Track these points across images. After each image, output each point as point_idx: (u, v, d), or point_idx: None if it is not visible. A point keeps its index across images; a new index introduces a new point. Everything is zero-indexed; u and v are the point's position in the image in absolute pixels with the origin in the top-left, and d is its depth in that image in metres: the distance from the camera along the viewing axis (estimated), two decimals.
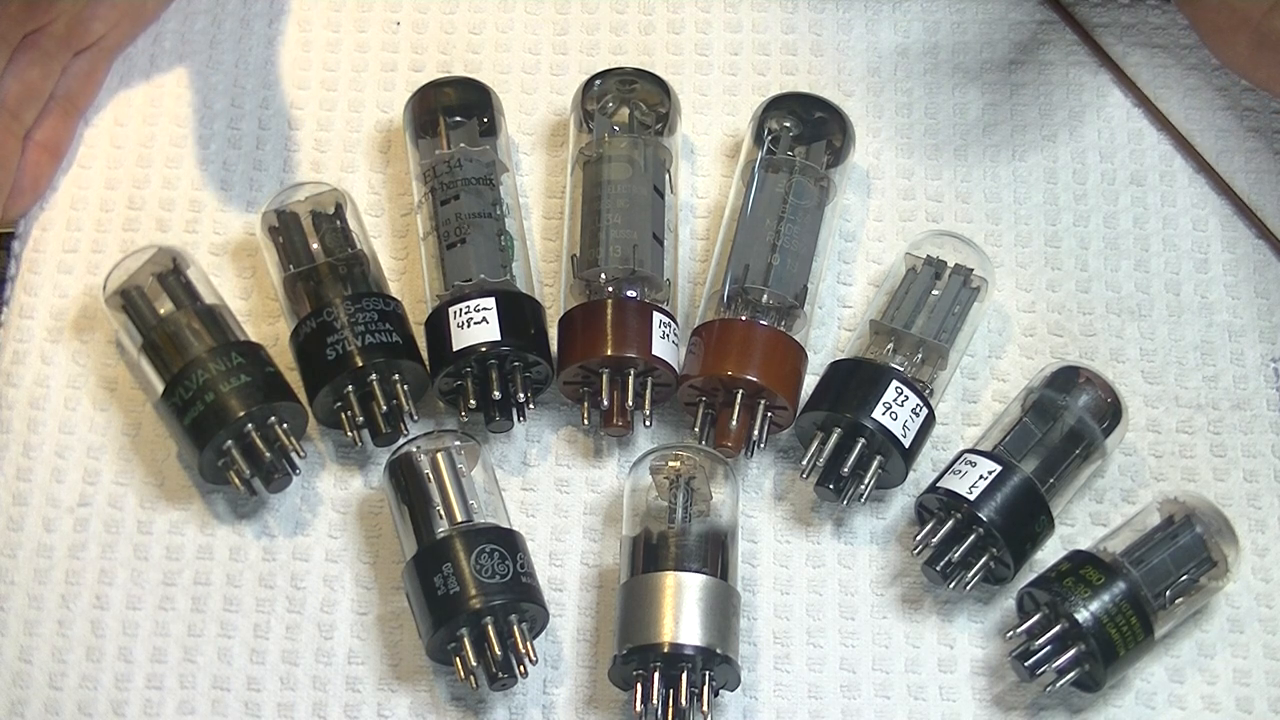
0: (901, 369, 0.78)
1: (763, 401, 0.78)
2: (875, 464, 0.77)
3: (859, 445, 0.77)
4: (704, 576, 0.74)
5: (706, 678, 0.73)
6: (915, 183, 0.87)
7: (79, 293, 0.84)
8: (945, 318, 0.80)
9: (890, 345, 0.80)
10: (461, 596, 0.72)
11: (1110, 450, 0.79)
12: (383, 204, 0.87)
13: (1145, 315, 0.84)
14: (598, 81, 0.85)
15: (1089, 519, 0.80)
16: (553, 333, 0.81)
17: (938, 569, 0.76)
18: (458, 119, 0.85)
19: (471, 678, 0.73)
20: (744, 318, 0.79)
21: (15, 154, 0.84)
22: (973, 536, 0.75)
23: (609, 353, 0.78)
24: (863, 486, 0.77)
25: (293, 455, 0.77)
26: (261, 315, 0.84)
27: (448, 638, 0.73)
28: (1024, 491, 0.76)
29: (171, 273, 0.81)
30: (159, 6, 0.89)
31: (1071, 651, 0.73)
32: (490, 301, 0.78)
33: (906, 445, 0.77)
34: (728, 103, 0.89)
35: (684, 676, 0.72)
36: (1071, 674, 0.74)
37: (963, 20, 0.91)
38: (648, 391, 0.79)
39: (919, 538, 0.77)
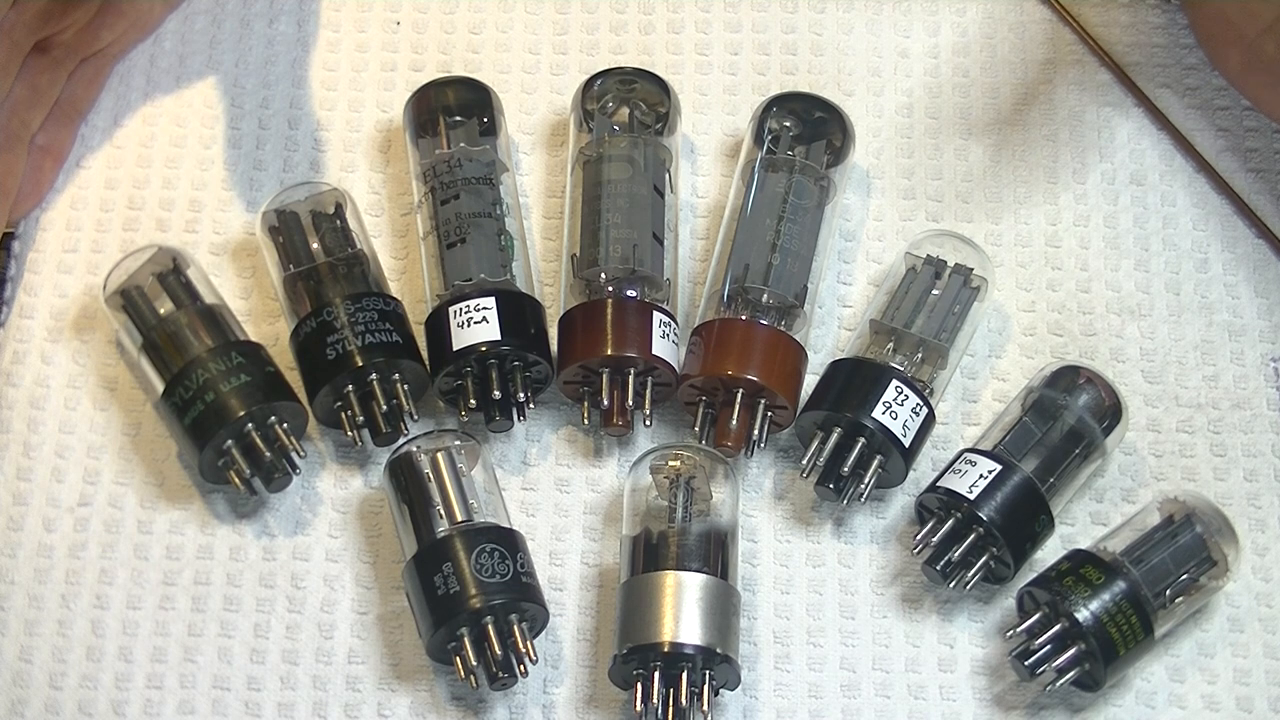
0: (901, 368, 0.78)
1: (763, 401, 0.78)
2: (875, 463, 0.77)
3: (859, 445, 0.77)
4: (704, 576, 0.74)
5: (707, 677, 0.73)
6: (915, 183, 0.87)
7: (79, 293, 0.84)
8: (945, 317, 0.80)
9: (890, 345, 0.80)
10: (461, 596, 0.72)
11: (1110, 450, 0.79)
12: (383, 204, 0.87)
13: (1145, 315, 0.84)
14: (598, 81, 0.85)
15: (1089, 518, 0.80)
16: (553, 333, 0.81)
17: (938, 568, 0.76)
18: (458, 119, 0.85)
19: (471, 677, 0.73)
20: (744, 317, 0.79)
21: (23, 159, 0.84)
22: (973, 536, 0.75)
23: (609, 352, 0.78)
24: (863, 486, 0.77)
25: (293, 455, 0.77)
26: (261, 315, 0.84)
27: (448, 637, 0.73)
28: (1024, 491, 0.76)
29: (171, 273, 0.81)
30: (164, 14, 0.90)
31: (1071, 651, 0.73)
32: (490, 301, 0.78)
33: (906, 445, 0.77)
34: (728, 103, 0.89)
35: (684, 676, 0.72)
36: (1071, 673, 0.74)
37: (963, 20, 0.91)
38: (648, 391, 0.79)
39: (919, 537, 0.77)
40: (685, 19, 0.91)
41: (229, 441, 0.76)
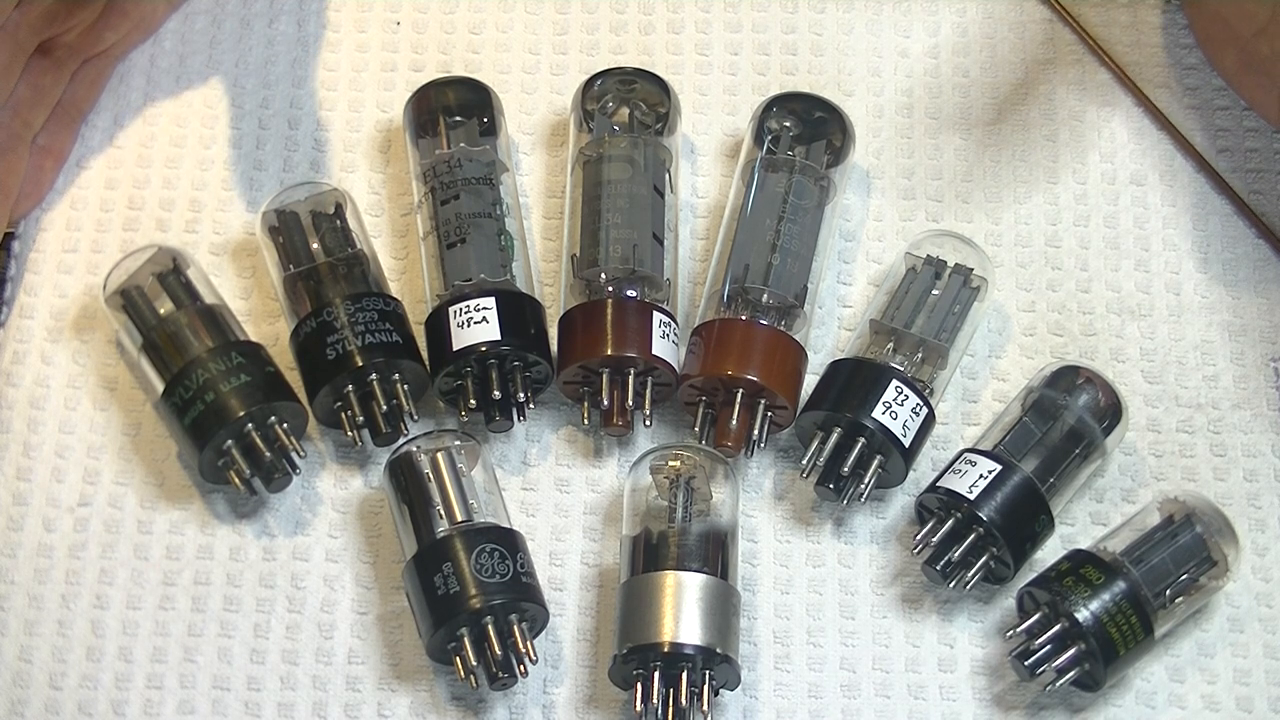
0: (901, 369, 0.78)
1: (763, 401, 0.78)
2: (875, 463, 0.77)
3: (859, 445, 0.77)
4: (704, 576, 0.74)
5: (707, 677, 0.73)
6: (915, 183, 0.87)
7: (79, 293, 0.84)
8: (945, 317, 0.80)
9: (890, 345, 0.80)
10: (461, 596, 0.72)
11: (1110, 450, 0.79)
12: (383, 204, 0.87)
13: (1145, 315, 0.84)
14: (598, 81, 0.85)
15: (1089, 518, 0.80)
16: (553, 333, 0.81)
17: (938, 568, 0.76)
18: (458, 119, 0.85)
19: (471, 677, 0.73)
20: (744, 317, 0.79)
21: (24, 159, 0.84)
22: (973, 536, 0.75)
23: (609, 352, 0.78)
24: (863, 486, 0.77)
25: (293, 455, 0.77)
26: (261, 315, 0.84)
27: (448, 637, 0.73)
28: (1024, 491, 0.76)
29: (171, 273, 0.81)
30: (166, 14, 0.90)
31: (1071, 651, 0.73)
32: (490, 301, 0.78)
33: (906, 445, 0.77)
34: (728, 103, 0.89)
35: (684, 676, 0.72)
36: (1071, 673, 0.74)
37: (963, 20, 0.91)
38: (648, 391, 0.79)
39: (919, 537, 0.77)
40: (685, 19, 0.91)
41: (229, 441, 0.76)
